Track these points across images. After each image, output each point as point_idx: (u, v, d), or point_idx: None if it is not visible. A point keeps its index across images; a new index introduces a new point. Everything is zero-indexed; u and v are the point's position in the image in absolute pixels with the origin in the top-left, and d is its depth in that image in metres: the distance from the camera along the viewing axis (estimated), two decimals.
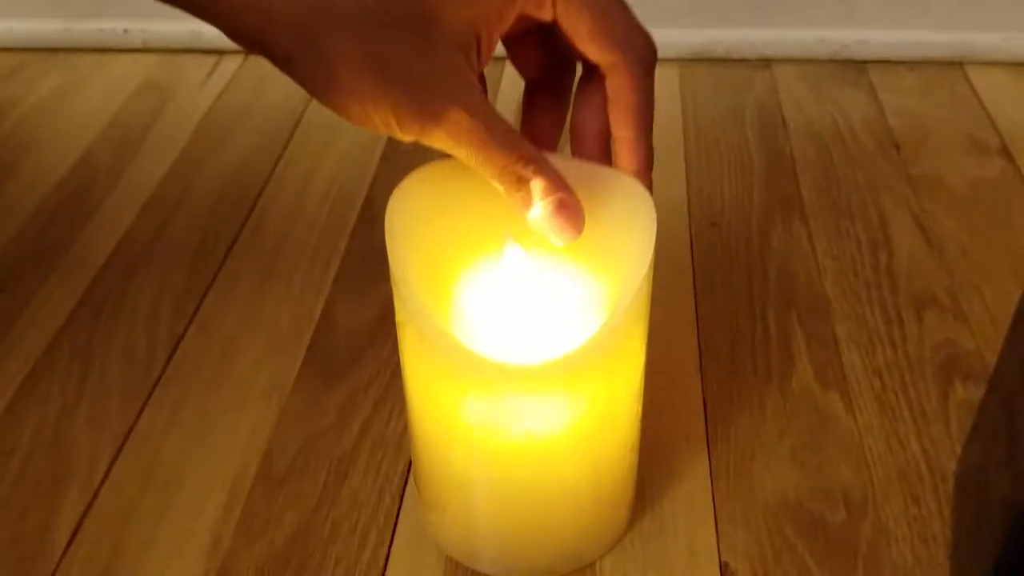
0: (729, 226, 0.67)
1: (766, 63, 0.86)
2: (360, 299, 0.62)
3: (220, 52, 0.88)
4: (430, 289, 0.41)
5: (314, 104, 0.80)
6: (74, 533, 0.48)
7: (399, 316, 0.41)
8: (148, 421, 0.54)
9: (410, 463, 0.51)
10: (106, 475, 0.51)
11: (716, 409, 0.54)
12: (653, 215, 0.40)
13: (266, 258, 0.65)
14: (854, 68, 0.85)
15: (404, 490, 0.50)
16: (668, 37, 0.85)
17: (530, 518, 0.44)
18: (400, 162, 0.74)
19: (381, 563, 0.47)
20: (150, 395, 0.56)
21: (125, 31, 0.88)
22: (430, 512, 0.47)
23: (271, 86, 0.84)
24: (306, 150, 0.76)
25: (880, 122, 0.78)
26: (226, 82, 0.85)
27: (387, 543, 0.48)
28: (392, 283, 0.40)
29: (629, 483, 0.46)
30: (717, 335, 0.58)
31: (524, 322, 0.42)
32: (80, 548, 0.48)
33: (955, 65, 0.85)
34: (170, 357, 0.58)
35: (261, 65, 0.86)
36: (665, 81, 0.83)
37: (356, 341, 0.59)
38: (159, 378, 0.57)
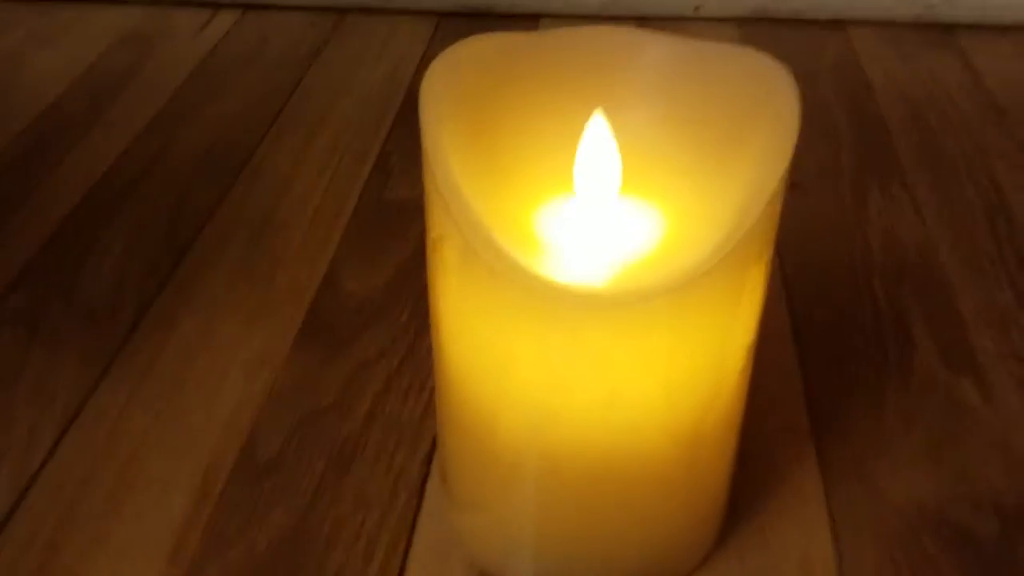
0: (817, 190, 0.56)
1: (838, 24, 0.76)
2: (371, 261, 0.51)
3: (216, 4, 0.78)
4: (480, 195, 0.31)
5: (320, 62, 0.71)
6: (1, 525, 0.37)
7: (435, 232, 0.30)
8: (105, 394, 0.43)
9: (432, 451, 0.40)
10: (47, 457, 0.40)
11: (822, 395, 0.43)
12: (796, 100, 0.29)
13: (260, 215, 0.55)
14: (939, 31, 0.75)
15: (424, 485, 0.39)
16: None
17: (600, 518, 0.33)
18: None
19: None
20: (110, 364, 0.45)
21: None
22: (461, 511, 0.36)
23: (272, 42, 0.73)
24: (309, 109, 0.65)
25: (978, 86, 0.68)
26: (220, 36, 0.74)
27: (402, 551, 0.37)
28: (427, 184, 0.30)
29: (728, 475, 0.35)
30: (813, 309, 0.47)
31: (608, 241, 0.31)
32: (6, 547, 0.37)
33: None
34: (137, 322, 0.47)
35: (262, 19, 0.76)
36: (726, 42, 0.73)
37: (366, 307, 0.48)
38: (122, 345, 0.46)
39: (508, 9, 0.77)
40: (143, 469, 0.40)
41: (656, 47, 0.31)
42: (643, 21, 0.76)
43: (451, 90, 0.30)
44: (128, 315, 0.48)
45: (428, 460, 0.40)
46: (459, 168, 0.29)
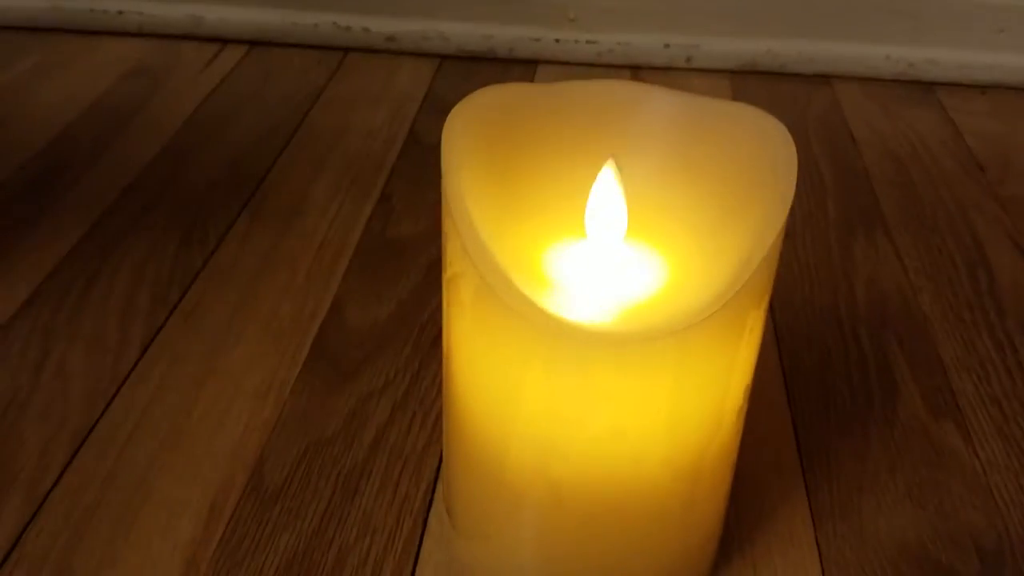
0: (804, 238, 0.58)
1: (824, 79, 0.79)
2: (376, 294, 0.53)
3: (223, 40, 0.80)
4: (494, 236, 0.32)
5: (324, 99, 0.72)
6: (12, 547, 0.38)
7: (452, 269, 0.32)
8: (114, 418, 0.44)
9: (436, 480, 0.42)
10: (57, 480, 0.41)
11: (811, 438, 0.44)
12: (793, 156, 0.31)
13: (266, 247, 0.56)
14: (921, 89, 0.78)
15: (428, 513, 0.41)
16: (718, 46, 0.78)
17: (600, 549, 0.34)
18: (422, 156, 0.65)
19: None
20: (119, 389, 0.46)
21: (120, 12, 0.80)
22: (465, 540, 0.38)
23: (277, 78, 0.75)
24: (314, 144, 0.67)
25: (958, 142, 0.70)
26: (227, 71, 0.76)
27: None
28: (445, 224, 0.31)
29: (723, 510, 0.37)
30: (802, 353, 0.49)
31: (615, 283, 0.32)
32: (18, 568, 0.38)
33: None
34: (146, 348, 0.48)
35: (268, 56, 0.78)
36: (717, 93, 0.76)
37: (370, 339, 0.49)
38: (131, 371, 0.47)
39: (507, 54, 0.79)
40: (151, 495, 0.41)
41: (661, 101, 0.33)
42: (636, 70, 0.79)
43: (469, 136, 0.32)
44: (136, 342, 0.49)
45: (432, 489, 0.42)
46: (475, 210, 0.31)
